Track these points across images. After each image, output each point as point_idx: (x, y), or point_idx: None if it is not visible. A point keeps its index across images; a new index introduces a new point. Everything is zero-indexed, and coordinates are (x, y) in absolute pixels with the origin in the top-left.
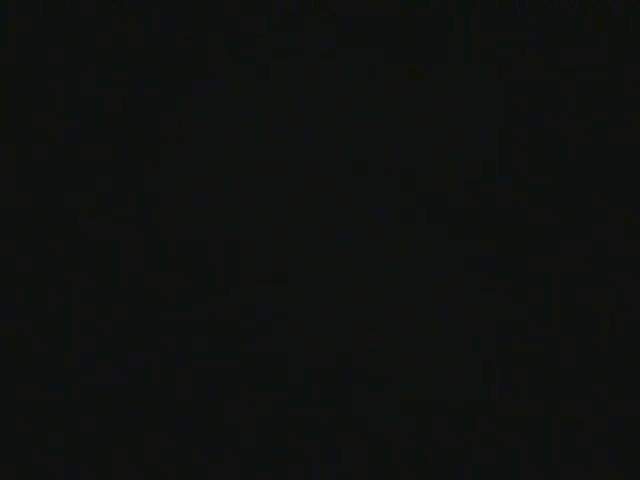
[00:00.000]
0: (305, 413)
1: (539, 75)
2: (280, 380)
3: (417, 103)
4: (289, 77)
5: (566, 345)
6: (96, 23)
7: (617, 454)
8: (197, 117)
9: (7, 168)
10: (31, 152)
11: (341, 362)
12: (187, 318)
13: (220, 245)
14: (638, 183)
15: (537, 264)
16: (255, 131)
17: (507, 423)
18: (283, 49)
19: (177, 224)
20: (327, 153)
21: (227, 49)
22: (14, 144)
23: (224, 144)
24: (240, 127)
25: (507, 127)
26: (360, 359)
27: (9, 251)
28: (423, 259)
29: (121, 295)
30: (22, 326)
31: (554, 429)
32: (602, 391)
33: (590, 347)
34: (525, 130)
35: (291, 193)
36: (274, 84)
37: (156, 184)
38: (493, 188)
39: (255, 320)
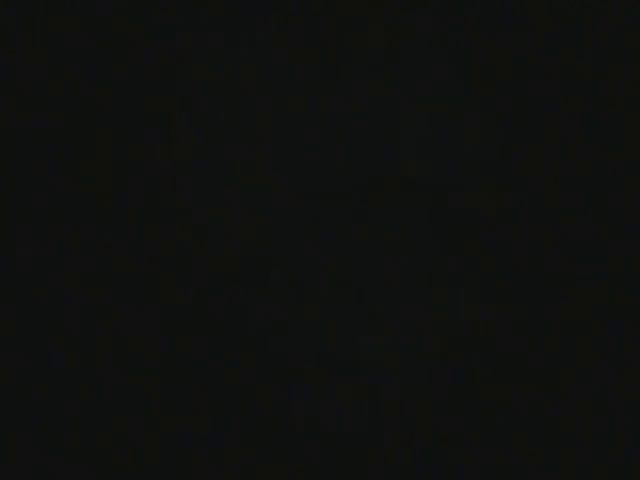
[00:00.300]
0: (304, 413)
1: (540, 76)
2: (279, 380)
3: (416, 103)
4: (284, 77)
5: (566, 346)
6: (95, 22)
7: (617, 454)
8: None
9: (6, 167)
10: (29, 151)
11: (340, 362)
12: (187, 317)
13: (219, 245)
14: (639, 184)
15: (537, 265)
16: (253, 131)
17: (506, 423)
18: (276, 49)
19: (176, 224)
20: (326, 153)
21: (226, 48)
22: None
23: (222, 144)
24: (238, 126)
25: (508, 128)
26: (359, 359)
27: (8, 250)
28: (422, 259)
29: (120, 294)
30: (21, 325)
31: (554, 430)
32: (602, 391)
33: (590, 347)
34: (526, 132)
35: (290, 193)
36: (270, 84)
37: (155, 183)
38: (493, 188)
39: (254, 320)
